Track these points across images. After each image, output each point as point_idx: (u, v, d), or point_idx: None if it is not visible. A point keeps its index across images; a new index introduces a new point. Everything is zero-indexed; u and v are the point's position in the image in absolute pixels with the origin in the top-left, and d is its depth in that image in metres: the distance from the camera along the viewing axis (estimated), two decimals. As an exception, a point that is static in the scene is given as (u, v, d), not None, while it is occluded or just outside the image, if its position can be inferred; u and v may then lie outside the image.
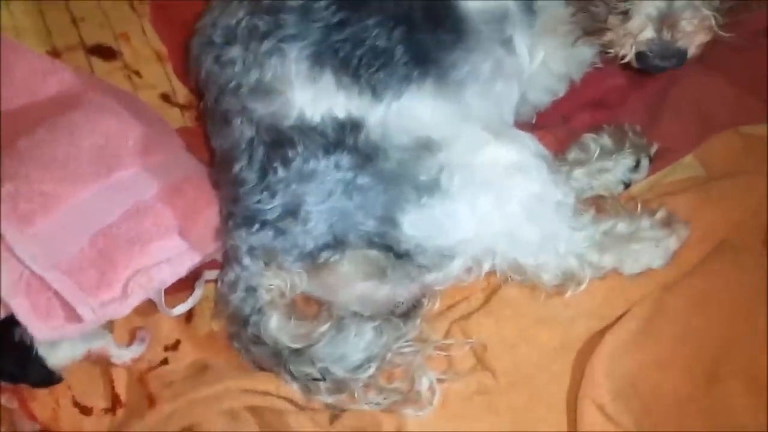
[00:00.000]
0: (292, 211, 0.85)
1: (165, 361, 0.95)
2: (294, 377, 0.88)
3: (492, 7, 0.92)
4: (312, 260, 0.87)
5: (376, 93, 0.86)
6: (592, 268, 0.93)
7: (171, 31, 1.16)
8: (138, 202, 0.94)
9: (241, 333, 0.90)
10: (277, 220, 0.86)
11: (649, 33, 0.85)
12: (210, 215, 0.95)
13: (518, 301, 0.96)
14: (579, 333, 0.95)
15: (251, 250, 0.88)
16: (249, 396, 0.90)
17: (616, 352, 0.92)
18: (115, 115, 0.99)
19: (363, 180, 0.84)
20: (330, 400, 0.89)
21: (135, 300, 0.92)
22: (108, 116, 0.98)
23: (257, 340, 0.89)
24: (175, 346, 0.96)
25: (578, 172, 1.04)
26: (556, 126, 1.11)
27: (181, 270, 0.94)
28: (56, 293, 0.89)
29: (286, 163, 0.85)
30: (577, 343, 0.95)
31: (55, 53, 1.15)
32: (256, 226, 0.87)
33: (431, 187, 0.85)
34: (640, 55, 0.87)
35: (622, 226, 0.95)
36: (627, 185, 1.04)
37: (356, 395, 0.88)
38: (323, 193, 0.85)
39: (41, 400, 0.92)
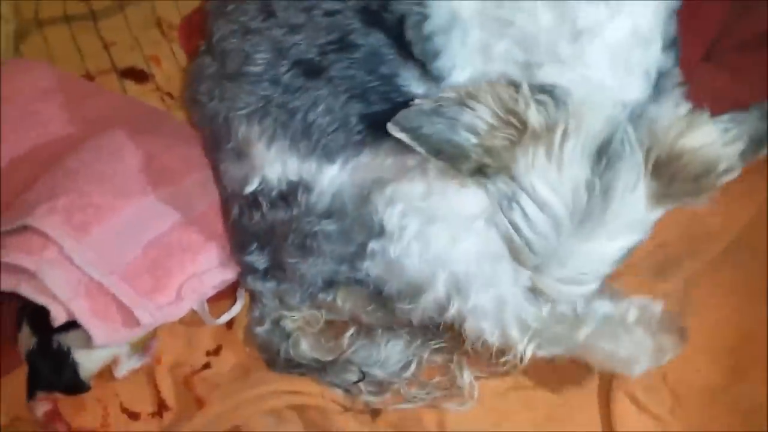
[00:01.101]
0: (279, 264, 0.91)
1: (207, 365, 0.98)
2: (335, 385, 0.92)
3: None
4: (313, 301, 0.92)
5: (327, 158, 0.86)
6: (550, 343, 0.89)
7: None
8: (186, 213, 0.98)
9: (275, 359, 0.95)
10: (270, 270, 0.92)
11: None
12: None
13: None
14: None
15: (262, 294, 0.94)
16: (293, 396, 0.93)
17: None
18: (152, 134, 1.03)
19: (325, 229, 0.87)
20: (373, 399, 0.91)
21: (188, 303, 0.96)
22: (146, 134, 1.03)
23: (292, 363, 0.93)
24: (216, 351, 0.99)
25: None
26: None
27: (230, 276, 0.98)
28: (114, 298, 0.92)
29: (261, 219, 0.89)
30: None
31: (88, 77, 1.20)
32: (258, 274, 0.93)
33: (382, 234, 0.85)
34: None
35: (600, 307, 0.91)
36: None
37: (401, 392, 0.90)
38: (296, 248, 0.88)
39: (91, 409, 0.95)
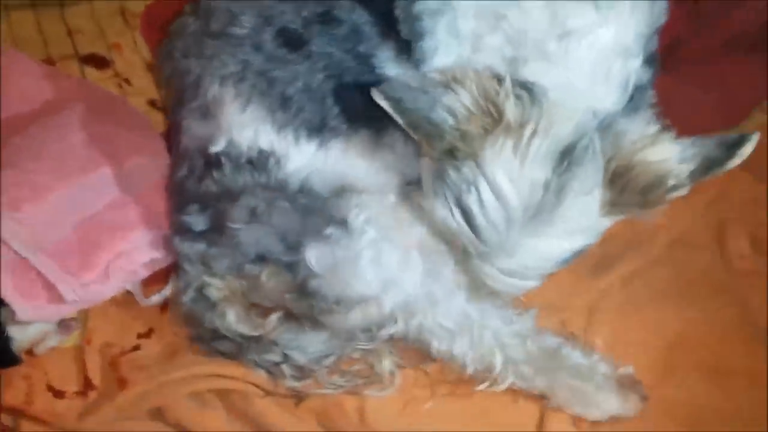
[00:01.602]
0: (219, 227, 0.88)
1: (137, 347, 0.98)
2: (257, 365, 0.91)
3: None
4: (238, 271, 0.89)
5: (303, 136, 0.87)
6: (520, 379, 0.90)
7: (159, 42, 1.22)
8: (124, 195, 0.99)
9: (200, 332, 0.93)
10: (207, 233, 0.89)
11: None
12: None
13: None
14: (544, 325, 0.97)
15: (188, 258, 0.91)
16: (216, 380, 0.92)
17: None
18: (104, 117, 1.05)
19: (282, 204, 0.86)
20: (295, 384, 0.91)
21: (116, 282, 0.97)
22: (98, 117, 1.04)
23: (217, 334, 0.91)
24: (148, 334, 0.99)
25: None
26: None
27: (160, 256, 0.98)
28: (40, 275, 0.93)
29: (216, 181, 0.88)
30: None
31: (50, 62, 1.21)
32: (189, 235, 0.91)
33: (341, 226, 0.85)
34: None
35: (570, 354, 0.91)
36: None
37: (319, 380, 0.90)
38: (246, 213, 0.87)
39: (15, 385, 0.94)
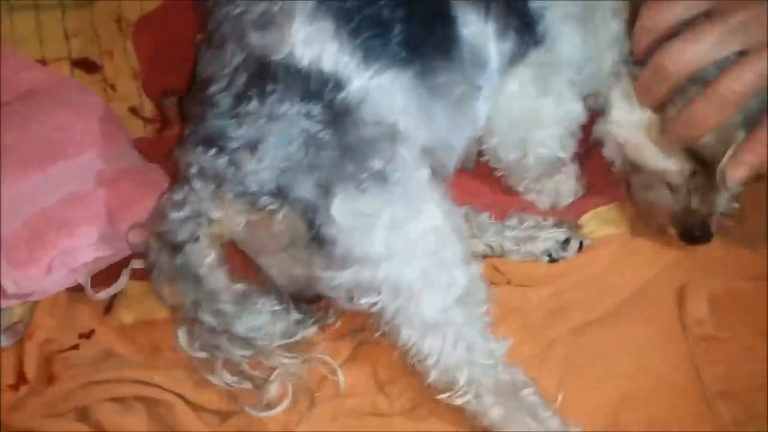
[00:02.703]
0: (251, 146, 0.85)
1: (76, 347, 0.98)
2: (200, 322, 0.87)
3: (477, 48, 0.95)
4: (251, 202, 0.86)
5: (366, 59, 0.87)
6: (474, 402, 0.88)
7: (147, 51, 1.25)
8: (76, 190, 1.00)
9: (162, 255, 0.88)
10: (235, 150, 0.85)
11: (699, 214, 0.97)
12: (141, 209, 0.99)
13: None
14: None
15: (202, 172, 0.87)
16: (142, 387, 0.91)
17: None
18: (67, 108, 1.06)
19: (326, 137, 0.84)
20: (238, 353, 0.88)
21: (58, 278, 0.97)
22: (61, 109, 1.05)
23: (182, 270, 0.87)
24: (89, 334, 0.99)
25: (508, 233, 1.06)
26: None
27: (105, 254, 0.99)
28: (-17, 266, 0.93)
29: (262, 96, 0.85)
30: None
31: (42, 62, 1.24)
32: (214, 149, 0.86)
33: (375, 177, 0.84)
34: (686, 226, 0.98)
35: (531, 398, 0.89)
36: (552, 260, 1.05)
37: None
38: (285, 138, 0.84)
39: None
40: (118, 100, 1.22)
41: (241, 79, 0.87)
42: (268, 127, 0.85)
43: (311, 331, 0.93)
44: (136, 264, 1.02)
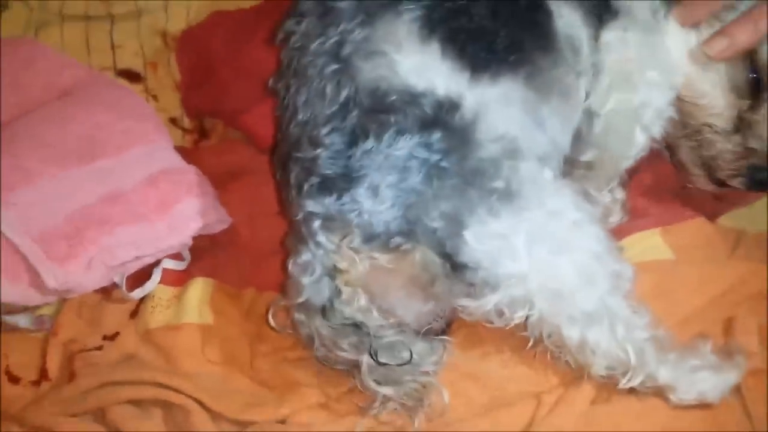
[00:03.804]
0: (372, 185, 0.81)
1: (99, 348, 0.97)
2: (380, 364, 0.83)
3: (572, 37, 0.95)
4: (381, 244, 0.82)
5: (475, 72, 0.85)
6: (645, 372, 0.85)
7: (189, 65, 1.26)
8: (116, 188, 1.00)
9: (314, 320, 0.84)
10: (356, 191, 0.81)
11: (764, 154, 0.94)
12: (180, 209, 1.01)
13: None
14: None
15: (327, 221, 0.83)
16: (160, 390, 0.89)
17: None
18: (107, 107, 1.07)
19: (447, 165, 0.81)
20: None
21: (96, 275, 0.97)
22: (101, 108, 1.06)
23: (338, 326, 0.83)
24: (113, 337, 0.98)
25: None
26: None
27: (143, 254, 0.99)
28: (24, 258, 0.94)
29: (380, 131, 0.82)
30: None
31: (88, 71, 1.27)
32: (335, 194, 0.82)
33: (504, 198, 0.82)
34: (752, 170, 0.96)
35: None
36: None
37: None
38: (406, 172, 0.81)
39: (-25, 363, 0.95)
40: (159, 111, 1.23)
41: (354, 115, 0.84)
42: (387, 163, 0.82)
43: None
44: (168, 264, 1.01)
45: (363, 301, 0.83)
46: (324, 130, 0.85)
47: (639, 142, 1.01)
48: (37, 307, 1.00)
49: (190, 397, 0.88)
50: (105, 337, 0.98)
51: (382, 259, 0.82)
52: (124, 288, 0.99)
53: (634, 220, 1.07)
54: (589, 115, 0.99)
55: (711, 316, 0.96)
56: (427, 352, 0.86)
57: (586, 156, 1.03)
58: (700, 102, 0.98)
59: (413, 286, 0.85)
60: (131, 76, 1.27)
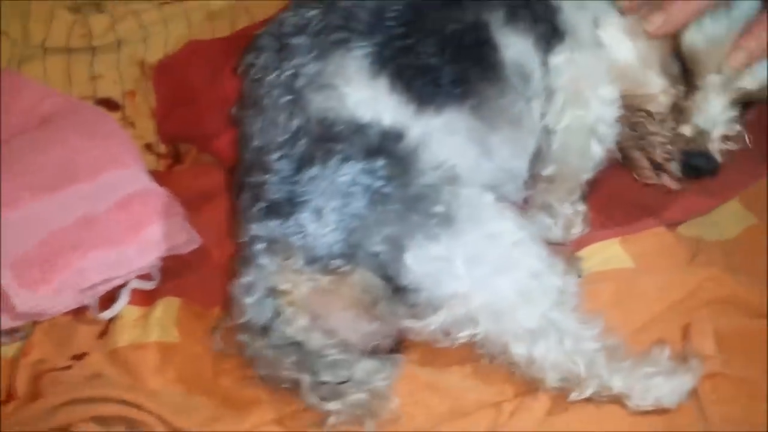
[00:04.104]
0: (317, 210, 0.84)
1: (68, 367, 0.98)
2: (319, 383, 0.85)
3: (522, 65, 0.98)
4: (322, 267, 0.84)
5: (420, 104, 0.90)
6: (597, 382, 0.87)
7: (165, 93, 1.30)
8: (88, 212, 1.03)
9: (256, 341, 0.86)
10: (301, 215, 0.85)
11: (697, 140, 0.96)
12: (150, 231, 1.04)
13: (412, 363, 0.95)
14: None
15: (271, 244, 0.85)
16: (124, 407, 0.91)
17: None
18: (82, 133, 1.11)
19: (390, 191, 0.84)
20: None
21: (65, 299, 0.99)
22: (76, 133, 1.10)
23: (279, 345, 0.85)
24: (81, 356, 1.00)
25: None
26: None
27: (113, 277, 1.01)
28: (-5, 282, 0.97)
29: (326, 158, 0.85)
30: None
31: (69, 100, 1.31)
32: (280, 218, 0.85)
33: (443, 222, 0.84)
34: (686, 156, 0.97)
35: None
36: None
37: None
38: (350, 197, 0.84)
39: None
40: (135, 137, 1.26)
41: (303, 143, 0.88)
42: (332, 189, 0.85)
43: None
44: (136, 284, 1.04)
45: (304, 321, 0.86)
46: (274, 156, 0.89)
47: (596, 155, 1.03)
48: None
49: (152, 413, 0.90)
50: (73, 357, 1.00)
51: (323, 280, 0.85)
52: (95, 309, 1.02)
53: (594, 230, 1.08)
54: (547, 132, 1.02)
55: (670, 322, 0.97)
56: (375, 370, 0.88)
57: (547, 171, 1.05)
58: (638, 92, 1.01)
59: (356, 307, 0.87)
60: (110, 104, 1.32)
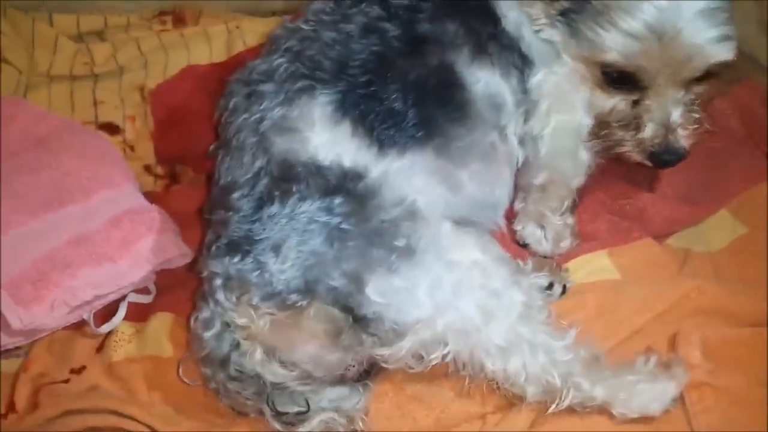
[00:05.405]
0: (275, 247, 0.87)
1: (66, 381, 1.00)
2: (279, 413, 0.89)
3: (493, 96, 1.01)
4: (279, 302, 0.87)
5: (382, 148, 0.94)
6: (578, 393, 0.88)
7: (162, 116, 1.34)
8: (81, 232, 1.06)
9: (218, 373, 0.90)
10: (259, 253, 0.87)
11: (658, 139, 1.00)
12: (141, 246, 1.06)
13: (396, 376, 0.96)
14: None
15: (227, 281, 0.89)
16: (117, 418, 0.93)
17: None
18: (75, 154, 1.14)
19: (347, 228, 0.87)
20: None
21: (59, 315, 1.02)
22: (70, 154, 1.13)
23: (239, 377, 0.89)
24: (80, 370, 1.02)
25: None
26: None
27: (104, 293, 1.04)
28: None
29: (284, 198, 0.89)
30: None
31: (72, 126, 1.35)
32: (239, 256, 0.88)
33: (403, 255, 0.87)
34: (653, 155, 1.02)
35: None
36: None
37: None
38: (307, 235, 0.87)
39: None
40: (135, 159, 1.30)
41: (263, 183, 0.91)
42: (289, 227, 0.88)
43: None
44: (134, 298, 1.06)
45: (260, 354, 0.88)
46: (236, 195, 0.93)
47: (584, 158, 1.06)
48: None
49: (145, 424, 0.91)
50: (72, 371, 1.02)
51: (280, 315, 0.87)
52: (92, 324, 1.04)
53: (582, 242, 1.09)
54: (533, 139, 1.05)
55: (656, 332, 0.98)
56: (343, 397, 0.91)
57: (538, 179, 1.08)
58: (595, 112, 1.05)
59: (319, 339, 0.89)
60: (111, 128, 1.35)
